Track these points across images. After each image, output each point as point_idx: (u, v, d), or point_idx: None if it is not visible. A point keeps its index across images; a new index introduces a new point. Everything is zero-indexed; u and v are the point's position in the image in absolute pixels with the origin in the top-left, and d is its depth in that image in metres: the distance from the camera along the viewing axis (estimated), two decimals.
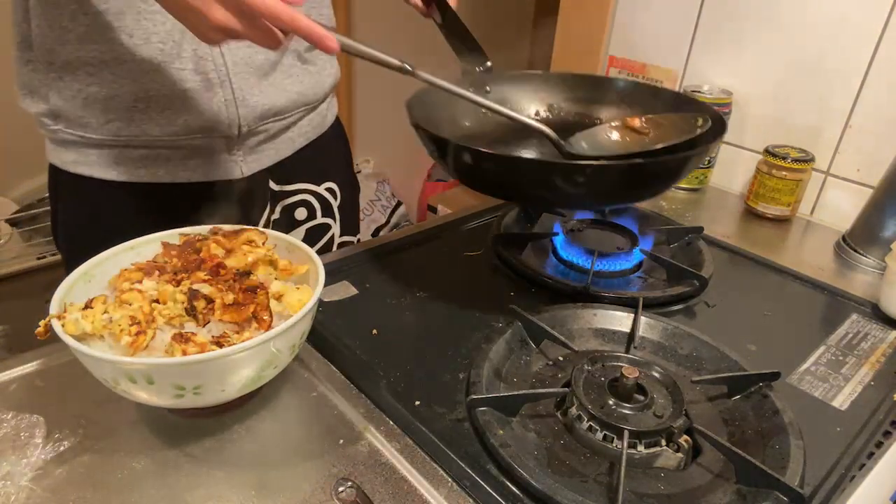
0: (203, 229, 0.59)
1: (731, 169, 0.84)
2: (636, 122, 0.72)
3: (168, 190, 0.75)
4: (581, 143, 0.70)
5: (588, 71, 1.18)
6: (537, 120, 0.70)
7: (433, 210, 2.50)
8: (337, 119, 0.94)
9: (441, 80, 0.63)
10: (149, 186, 0.73)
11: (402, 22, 2.08)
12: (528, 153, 0.76)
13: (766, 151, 0.93)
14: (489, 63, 0.75)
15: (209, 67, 0.69)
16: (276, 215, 0.89)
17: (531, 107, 0.83)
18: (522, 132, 0.72)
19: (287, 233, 0.89)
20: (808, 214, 0.98)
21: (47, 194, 0.79)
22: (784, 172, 0.91)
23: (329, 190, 0.92)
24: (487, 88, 0.79)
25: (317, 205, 0.92)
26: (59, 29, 0.65)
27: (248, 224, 0.79)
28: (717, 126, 0.67)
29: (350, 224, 0.98)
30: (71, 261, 0.76)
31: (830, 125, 0.93)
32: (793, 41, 0.93)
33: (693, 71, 1.05)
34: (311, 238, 0.92)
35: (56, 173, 0.75)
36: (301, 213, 0.90)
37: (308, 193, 0.90)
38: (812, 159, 0.91)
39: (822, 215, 0.97)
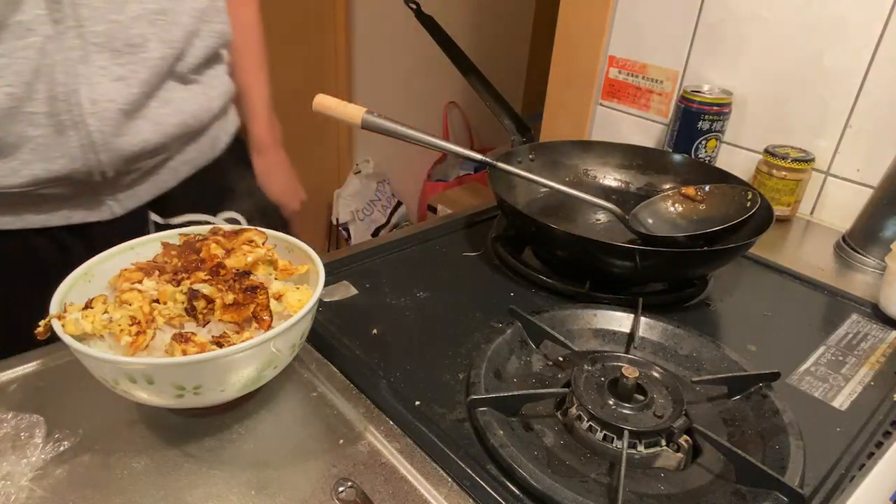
0: (203, 229, 0.59)
1: (731, 169, 0.84)
2: (691, 191, 0.79)
3: (22, 235, 0.64)
4: (647, 220, 0.78)
5: (587, 71, 1.18)
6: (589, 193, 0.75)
7: (433, 210, 2.50)
8: (237, 139, 0.83)
9: (518, 169, 0.73)
10: None
11: (401, 23, 2.08)
12: (590, 219, 0.85)
13: (766, 151, 0.93)
14: (531, 132, 0.86)
15: (62, 108, 0.59)
16: None
17: (575, 173, 0.92)
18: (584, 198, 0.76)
19: None
20: (808, 214, 0.98)
21: None
22: (784, 172, 0.91)
23: (231, 220, 0.79)
24: (531, 156, 0.86)
25: None
26: None
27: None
28: (766, 212, 0.72)
29: None
30: None
31: (830, 125, 0.92)
32: (793, 41, 0.93)
33: (693, 71, 1.05)
34: None
35: None
36: None
37: (202, 225, 0.76)
38: (812, 159, 0.91)
39: (822, 215, 0.97)
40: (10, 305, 0.64)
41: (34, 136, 0.59)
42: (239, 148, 0.83)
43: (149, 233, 0.68)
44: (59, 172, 0.61)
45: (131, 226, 0.70)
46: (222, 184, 0.79)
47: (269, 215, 0.88)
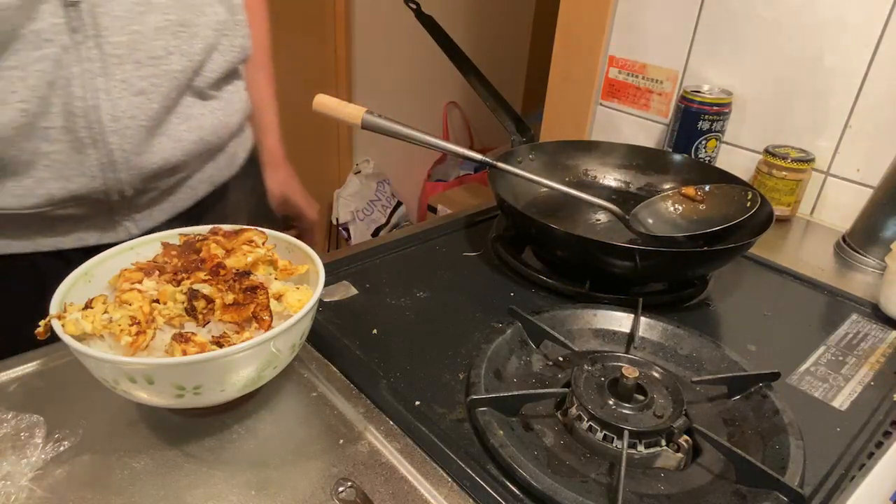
0: (203, 229, 0.59)
1: (731, 169, 0.84)
2: (691, 191, 0.79)
3: (31, 258, 0.62)
4: (647, 220, 0.78)
5: (587, 71, 1.18)
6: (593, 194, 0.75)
7: (433, 210, 2.50)
8: (250, 154, 0.82)
9: (518, 169, 0.73)
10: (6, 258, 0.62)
11: (401, 23, 2.08)
12: (590, 219, 0.85)
13: (766, 151, 0.93)
14: (531, 132, 0.85)
15: (80, 125, 0.56)
16: None
17: (575, 173, 0.92)
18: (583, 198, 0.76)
19: None
20: (808, 214, 0.98)
21: None
22: (784, 172, 0.91)
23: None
24: (531, 156, 0.86)
25: None
26: None
27: None
28: (766, 212, 0.73)
29: None
30: None
31: (830, 125, 0.93)
32: (792, 41, 0.93)
33: (693, 71, 1.05)
34: None
35: None
36: None
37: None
38: (812, 159, 0.91)
39: (822, 215, 0.97)
40: (23, 329, 0.61)
41: (49, 153, 0.56)
42: (252, 165, 0.82)
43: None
44: (76, 191, 0.59)
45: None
46: (233, 200, 0.77)
47: (275, 223, 0.87)
